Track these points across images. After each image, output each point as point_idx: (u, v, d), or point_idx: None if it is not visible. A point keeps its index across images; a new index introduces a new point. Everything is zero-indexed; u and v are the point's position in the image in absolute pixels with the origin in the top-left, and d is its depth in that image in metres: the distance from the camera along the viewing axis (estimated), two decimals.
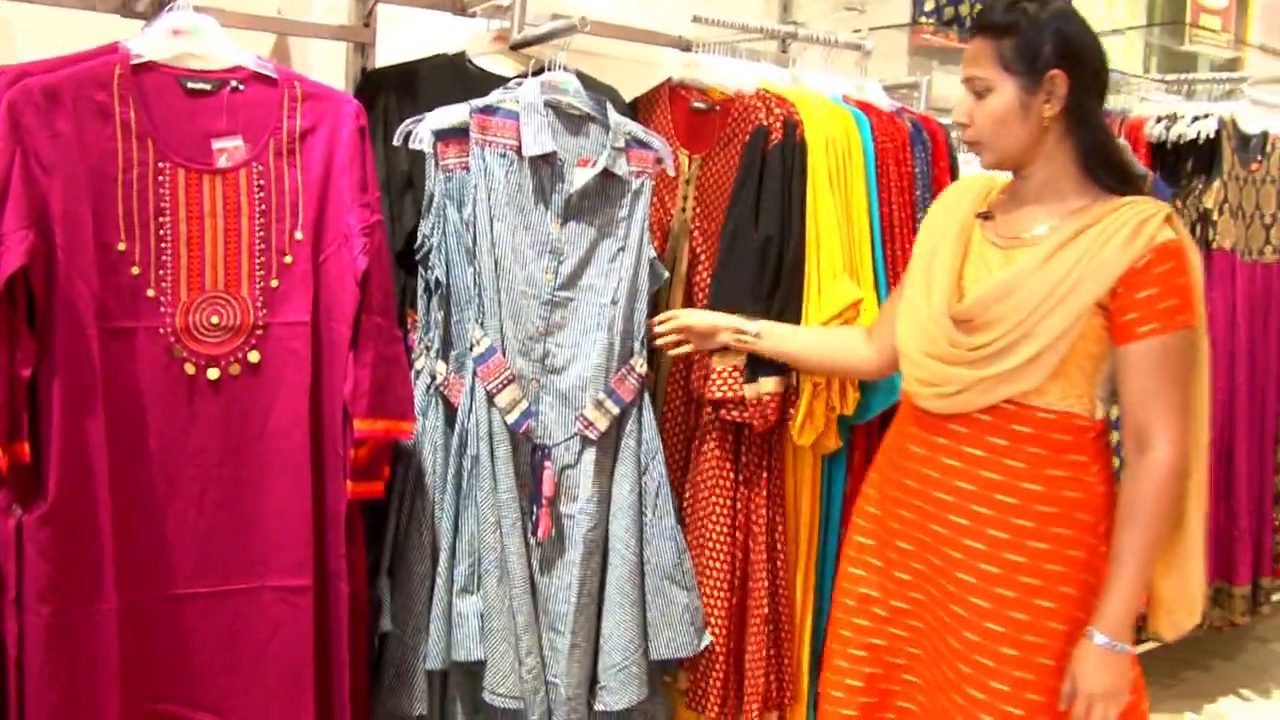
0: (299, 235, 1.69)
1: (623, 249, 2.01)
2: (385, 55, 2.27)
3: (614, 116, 2.02)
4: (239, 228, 1.66)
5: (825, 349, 2.04)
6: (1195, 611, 1.72)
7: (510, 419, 1.90)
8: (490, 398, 1.89)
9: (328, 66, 2.34)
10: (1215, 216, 3.02)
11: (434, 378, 1.98)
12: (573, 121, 2.00)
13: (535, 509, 1.91)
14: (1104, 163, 1.64)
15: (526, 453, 1.95)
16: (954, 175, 2.42)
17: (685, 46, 2.67)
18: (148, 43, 1.62)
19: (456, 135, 1.94)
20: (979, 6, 2.89)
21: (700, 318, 2.08)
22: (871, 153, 2.29)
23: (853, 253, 2.23)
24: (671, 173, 2.15)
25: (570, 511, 1.95)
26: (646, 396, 2.06)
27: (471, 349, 1.91)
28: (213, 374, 1.65)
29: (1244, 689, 3.45)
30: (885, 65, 2.97)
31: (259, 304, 1.68)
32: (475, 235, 1.90)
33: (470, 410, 1.90)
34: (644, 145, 2.05)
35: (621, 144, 2.01)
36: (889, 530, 1.79)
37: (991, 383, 1.62)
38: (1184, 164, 3.12)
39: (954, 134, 2.42)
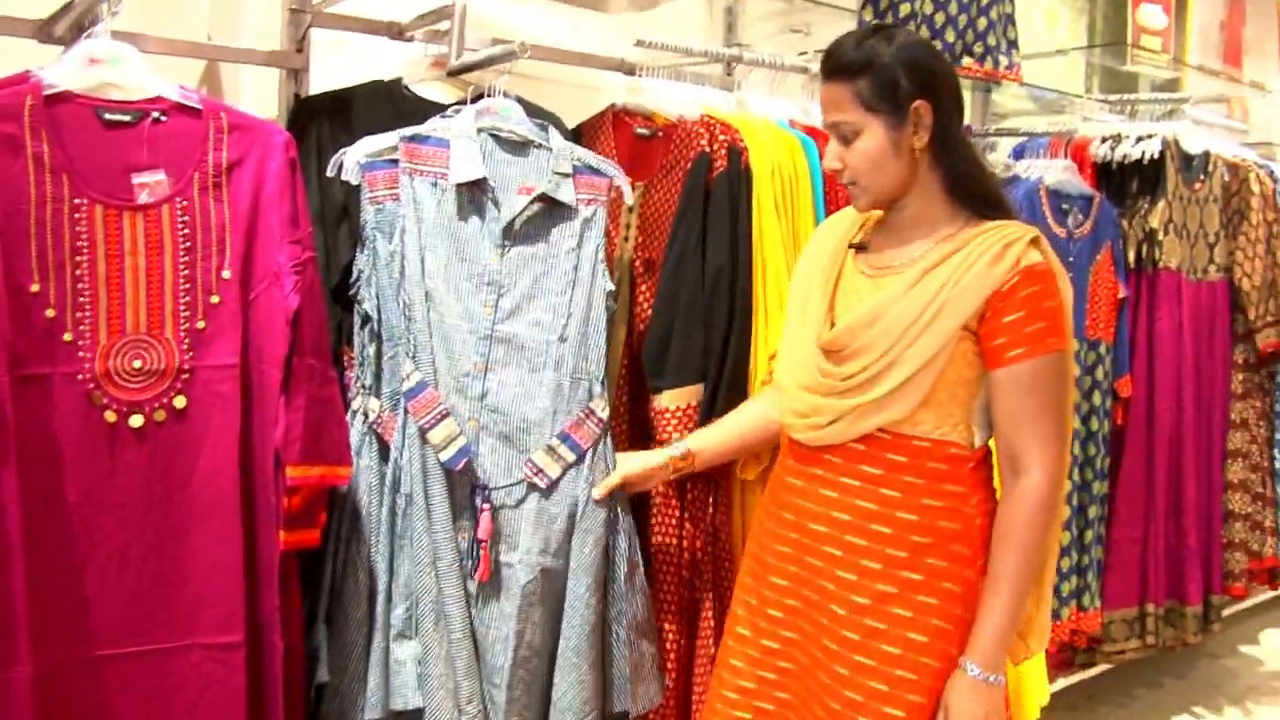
0: (226, 273, 1.61)
1: (573, 281, 1.91)
2: (320, 82, 2.20)
3: (557, 141, 1.95)
4: (162, 266, 1.58)
5: (752, 429, 1.92)
6: (1045, 636, 1.70)
7: (445, 456, 1.80)
8: (423, 434, 1.81)
9: (259, 94, 2.26)
10: (1161, 236, 3.03)
11: (368, 416, 1.90)
12: (514, 148, 1.93)
13: (475, 550, 1.83)
14: (972, 188, 1.63)
15: (466, 492, 1.86)
16: None
17: (628, 71, 2.63)
18: (62, 72, 1.53)
19: (386, 165, 1.86)
20: (924, 29, 2.87)
21: (636, 466, 1.93)
22: (820, 178, 2.26)
23: None
24: (630, 200, 2.08)
25: (509, 560, 1.85)
26: (608, 443, 1.93)
27: (402, 384, 1.82)
28: (135, 421, 1.57)
29: (1197, 706, 3.47)
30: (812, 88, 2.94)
31: (184, 346, 1.59)
32: (403, 267, 1.82)
33: (403, 447, 1.81)
34: (596, 171, 1.97)
35: (567, 169, 1.93)
36: (764, 565, 1.75)
37: (862, 412, 1.60)
38: (1129, 184, 3.14)
39: None
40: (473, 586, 1.84)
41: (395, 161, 1.84)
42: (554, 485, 1.87)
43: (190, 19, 2.33)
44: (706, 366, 2.07)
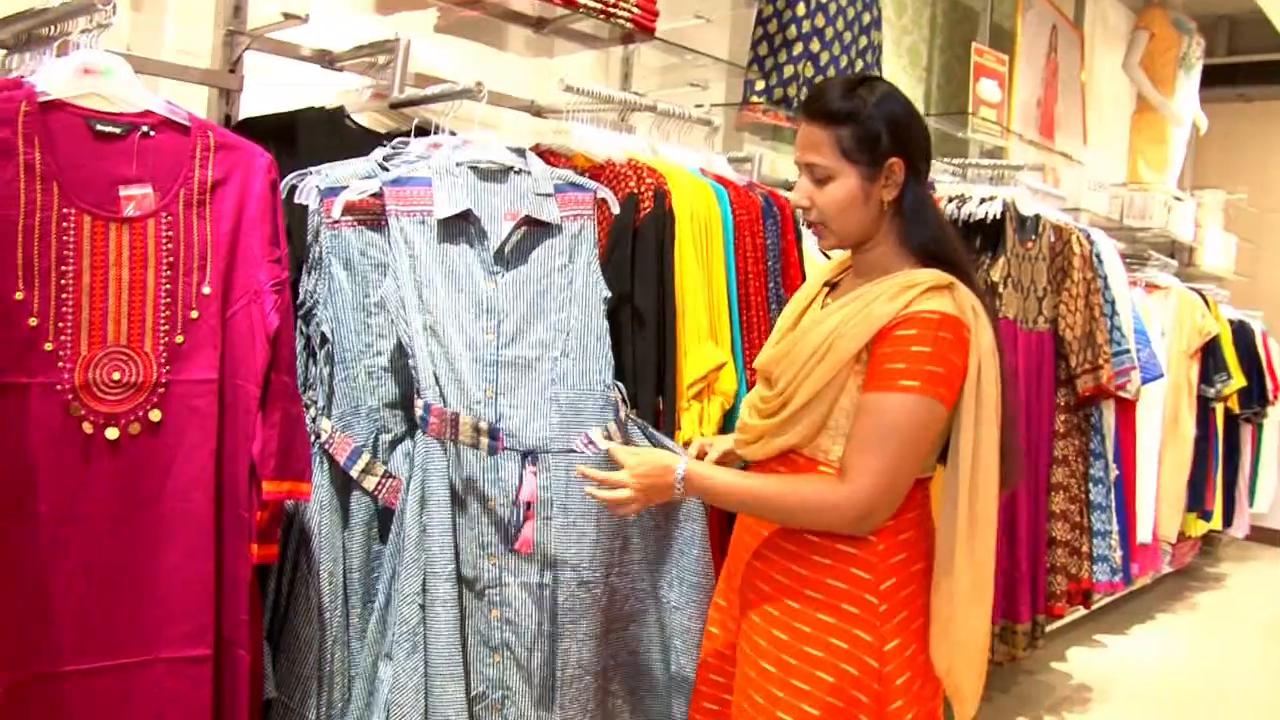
0: (206, 290, 1.63)
1: (569, 298, 1.99)
2: (245, 103, 2.22)
3: (536, 164, 2.03)
4: (144, 280, 1.58)
5: None
6: (971, 707, 1.73)
7: (484, 449, 1.87)
8: (455, 445, 1.87)
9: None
10: (1001, 289, 3.35)
11: (319, 436, 1.93)
12: (493, 177, 2.00)
13: (515, 521, 1.89)
14: (926, 243, 1.69)
15: (484, 510, 1.93)
16: (799, 247, 2.60)
17: (536, 112, 2.75)
18: (54, 79, 1.53)
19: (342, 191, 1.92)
20: (805, 90, 3.10)
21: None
22: (730, 224, 2.43)
23: (714, 318, 2.35)
24: (616, 210, 2.14)
25: (546, 581, 1.93)
26: (645, 429, 2.04)
27: (416, 413, 1.89)
28: (111, 434, 1.56)
29: (1021, 717, 3.78)
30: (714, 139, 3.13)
31: (162, 360, 1.60)
32: (402, 304, 1.87)
33: (419, 481, 1.87)
34: (579, 187, 2.05)
35: (548, 189, 2.00)
36: (729, 571, 1.87)
37: (770, 432, 1.72)
38: (973, 240, 3.45)
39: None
40: (504, 612, 1.92)
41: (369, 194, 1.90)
42: (577, 498, 1.94)
43: (110, 30, 2.29)
44: (637, 396, 2.18)
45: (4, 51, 1.82)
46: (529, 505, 1.89)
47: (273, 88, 2.29)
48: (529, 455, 1.92)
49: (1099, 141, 5.46)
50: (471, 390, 1.92)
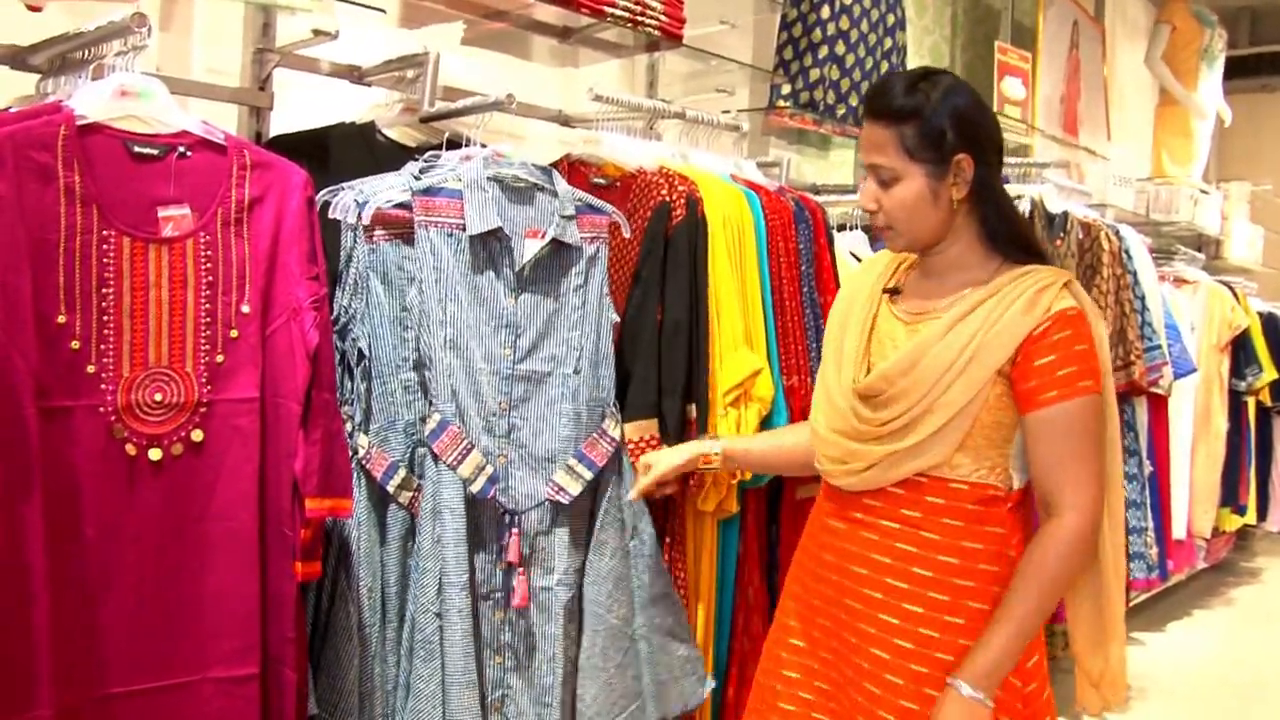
0: (245, 308, 1.63)
1: (582, 317, 2.02)
2: (275, 121, 2.22)
3: (561, 185, 2.04)
4: (184, 300, 1.58)
5: (785, 453, 1.97)
6: (1121, 687, 1.72)
7: (475, 488, 1.87)
8: (452, 469, 1.87)
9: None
10: None
11: (356, 452, 1.92)
12: (519, 194, 2.01)
13: (509, 578, 1.90)
14: (1007, 235, 1.64)
15: (493, 523, 1.94)
16: (831, 251, 2.58)
17: (564, 122, 2.74)
18: (92, 102, 1.53)
19: (384, 209, 1.91)
20: (831, 93, 3.09)
21: (670, 461, 1.97)
22: (763, 230, 2.41)
23: (749, 324, 2.34)
24: (628, 234, 2.17)
25: (548, 584, 1.94)
26: (625, 459, 2.05)
27: (424, 427, 1.89)
28: (154, 455, 1.56)
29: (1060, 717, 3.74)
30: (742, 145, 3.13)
31: (203, 380, 1.60)
32: (426, 316, 1.88)
33: (432, 493, 1.88)
34: (596, 210, 2.07)
35: (570, 211, 2.02)
36: (811, 608, 1.74)
37: (899, 458, 1.60)
38: None
39: (832, 212, 2.58)
40: (509, 615, 1.93)
41: (396, 205, 1.90)
42: (577, 503, 1.96)
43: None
44: (661, 403, 2.18)
45: (39, 76, 1.83)
46: (516, 566, 1.93)
47: (303, 106, 2.29)
48: (511, 516, 1.94)
49: (1122, 136, 5.43)
50: (489, 402, 1.94)
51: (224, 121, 2.25)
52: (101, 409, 1.53)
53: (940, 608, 1.59)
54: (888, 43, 3.30)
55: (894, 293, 1.74)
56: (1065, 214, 3.52)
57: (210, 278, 1.60)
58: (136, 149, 1.55)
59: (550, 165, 2.43)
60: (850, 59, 3.14)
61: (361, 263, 1.92)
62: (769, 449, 2.02)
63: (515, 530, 1.91)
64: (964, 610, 1.59)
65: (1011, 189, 3.43)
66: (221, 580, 1.61)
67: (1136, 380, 3.65)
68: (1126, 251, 3.78)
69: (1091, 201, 4.31)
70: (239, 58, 2.25)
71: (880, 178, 1.63)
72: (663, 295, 2.23)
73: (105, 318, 1.52)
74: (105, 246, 1.52)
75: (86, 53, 1.71)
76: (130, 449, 1.55)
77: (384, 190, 1.92)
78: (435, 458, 1.88)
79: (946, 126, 1.57)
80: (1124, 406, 3.77)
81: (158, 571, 1.58)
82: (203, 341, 1.60)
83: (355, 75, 2.32)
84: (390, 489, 1.92)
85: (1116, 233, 3.79)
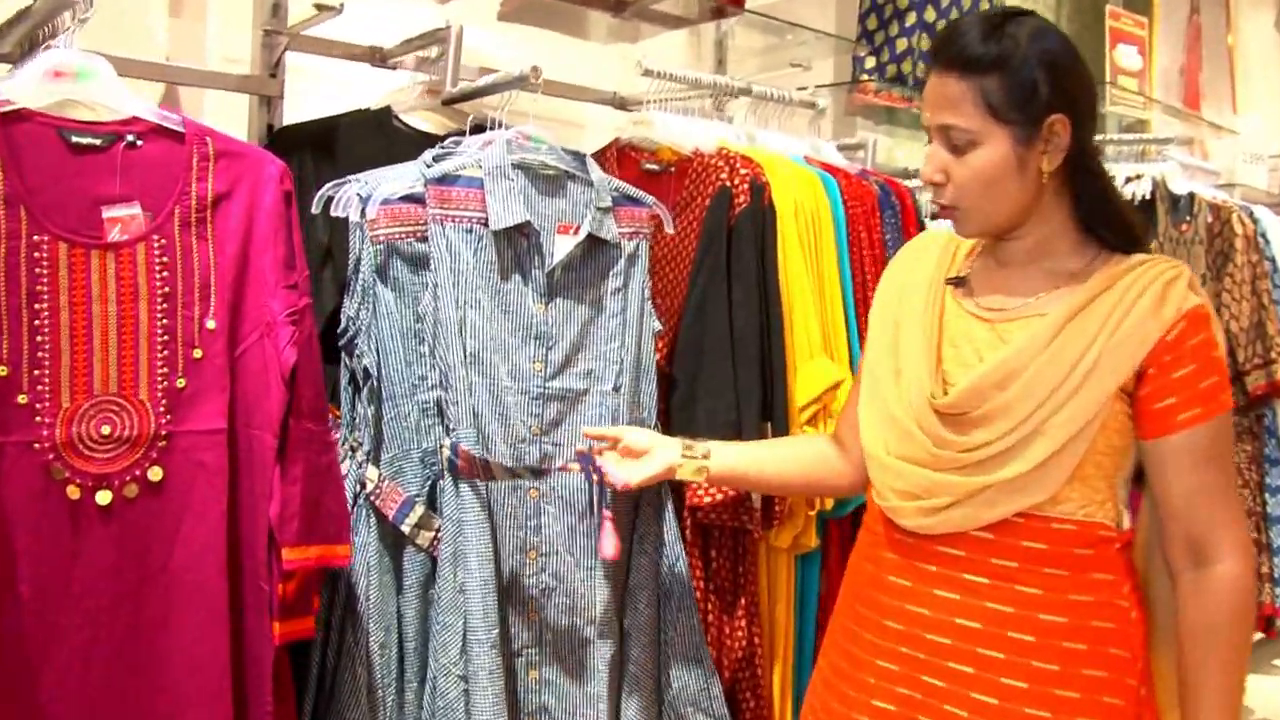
0: (211, 324, 1.38)
1: (623, 324, 1.73)
2: (292, 111, 1.99)
3: (596, 172, 1.76)
4: (136, 315, 1.34)
5: (790, 467, 1.62)
6: None
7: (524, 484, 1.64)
8: (488, 488, 1.63)
9: (225, 122, 2.03)
10: None
11: (363, 486, 1.67)
12: (548, 183, 1.72)
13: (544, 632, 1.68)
14: (1107, 217, 1.36)
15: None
16: None
17: (619, 105, 2.47)
18: (19, 86, 1.30)
19: (393, 202, 1.66)
20: (921, 65, 2.77)
21: (639, 438, 1.62)
22: (842, 218, 2.11)
23: (827, 329, 2.03)
24: (670, 229, 1.86)
25: (588, 635, 1.66)
26: (665, 488, 1.75)
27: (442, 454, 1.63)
28: (103, 498, 1.32)
29: None
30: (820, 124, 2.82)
31: (161, 409, 1.35)
32: (441, 326, 1.62)
33: (454, 534, 1.63)
34: (635, 201, 1.78)
35: (608, 203, 1.74)
36: (861, 687, 1.40)
37: (997, 492, 1.30)
38: None
39: (925, 198, 2.26)
40: (544, 674, 1.69)
41: (406, 199, 1.64)
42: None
43: (146, 39, 2.10)
44: (740, 422, 1.87)
45: (9, 67, 1.62)
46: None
47: (320, 95, 2.06)
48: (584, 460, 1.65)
49: (1250, 109, 4.98)
50: (517, 428, 1.66)
51: (236, 114, 2.04)
52: (36, 445, 1.29)
53: (1048, 679, 1.29)
54: (984, 5, 2.95)
55: (958, 283, 1.43)
56: (1191, 195, 3.15)
57: (167, 288, 1.36)
58: (74, 139, 1.32)
59: (600, 150, 2.19)
60: (941, 26, 2.81)
61: (367, 266, 1.67)
62: (768, 462, 1.63)
63: (609, 513, 1.63)
64: (1078, 681, 1.29)
65: (1131, 168, 3.09)
66: (186, 642, 1.37)
67: (1278, 380, 3.25)
68: (1263, 235, 3.39)
69: (1219, 181, 3.90)
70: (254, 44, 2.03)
71: (952, 142, 1.32)
72: (729, 295, 1.93)
73: (39, 338, 1.29)
74: (37, 254, 1.29)
75: (44, 32, 1.49)
76: (73, 491, 1.31)
77: (393, 181, 1.67)
78: (456, 490, 1.62)
79: (1040, 79, 1.28)
80: (1264, 410, 3.39)
81: (113, 633, 1.34)
82: (159, 364, 1.35)
83: (377, 57, 2.08)
84: (406, 529, 1.66)
85: (1250, 215, 3.40)
